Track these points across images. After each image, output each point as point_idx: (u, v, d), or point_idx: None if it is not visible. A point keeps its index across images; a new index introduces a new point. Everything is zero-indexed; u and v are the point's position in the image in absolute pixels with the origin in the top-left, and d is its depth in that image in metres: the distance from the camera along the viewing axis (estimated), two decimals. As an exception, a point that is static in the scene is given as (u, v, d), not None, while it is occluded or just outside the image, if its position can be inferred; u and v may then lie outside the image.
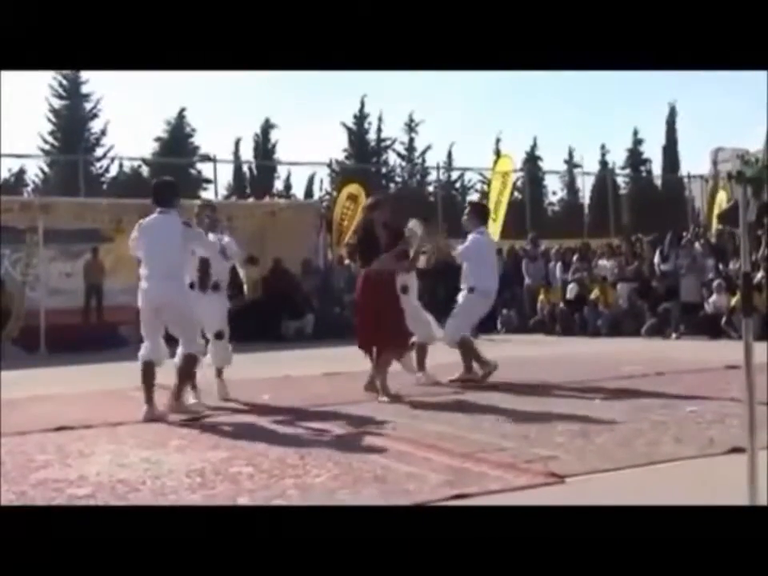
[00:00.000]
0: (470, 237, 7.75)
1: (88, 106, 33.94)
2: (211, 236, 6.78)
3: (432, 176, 35.73)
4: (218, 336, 6.83)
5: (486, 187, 32.51)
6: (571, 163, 37.01)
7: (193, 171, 33.54)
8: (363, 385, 6.80)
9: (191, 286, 6.63)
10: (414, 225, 7.47)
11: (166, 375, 6.18)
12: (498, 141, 36.35)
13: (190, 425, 5.72)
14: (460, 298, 7.75)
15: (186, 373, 6.18)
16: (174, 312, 6.07)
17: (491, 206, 15.79)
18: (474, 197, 37.09)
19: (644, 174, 37.74)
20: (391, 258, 6.76)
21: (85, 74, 33.45)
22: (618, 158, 38.02)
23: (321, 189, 33.16)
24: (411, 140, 37.13)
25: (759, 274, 11.91)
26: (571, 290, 14.50)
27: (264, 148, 35.48)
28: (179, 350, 6.20)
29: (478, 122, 53.08)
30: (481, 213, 8.14)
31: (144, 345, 6.14)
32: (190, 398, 6.45)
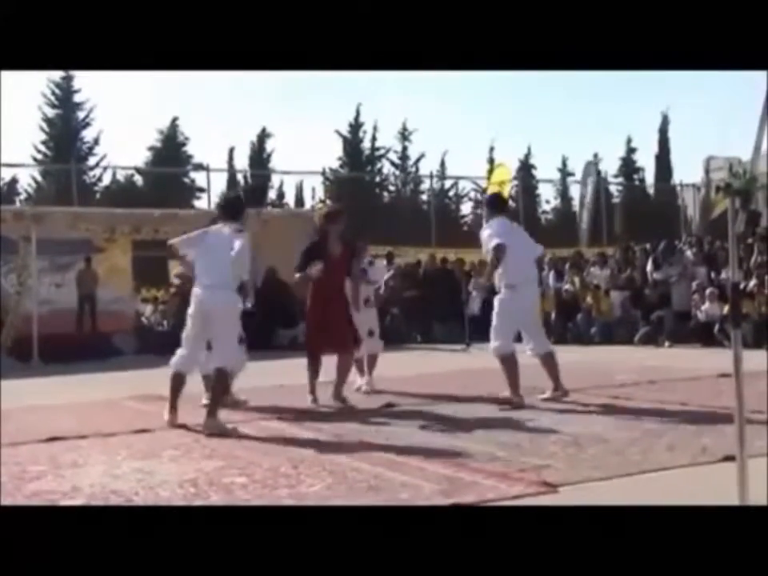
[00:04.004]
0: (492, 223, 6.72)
1: (81, 114, 33.97)
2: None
3: (425, 184, 35.81)
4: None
5: (479, 196, 32.55)
6: (565, 172, 37.15)
7: (186, 180, 33.56)
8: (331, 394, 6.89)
9: None
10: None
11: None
12: (491, 149, 36.50)
13: (183, 435, 5.72)
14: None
15: (221, 389, 6.04)
16: (218, 321, 5.95)
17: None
18: (467, 205, 37.14)
19: (637, 183, 37.88)
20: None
21: (78, 83, 33.53)
22: (611, 166, 38.18)
23: (313, 197, 33.24)
24: (405, 148, 37.25)
25: (751, 282, 11.96)
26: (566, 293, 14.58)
27: (259, 157, 35.52)
28: (211, 363, 6.10)
29: (471, 131, 53.29)
30: (496, 202, 7.16)
31: (179, 352, 6.09)
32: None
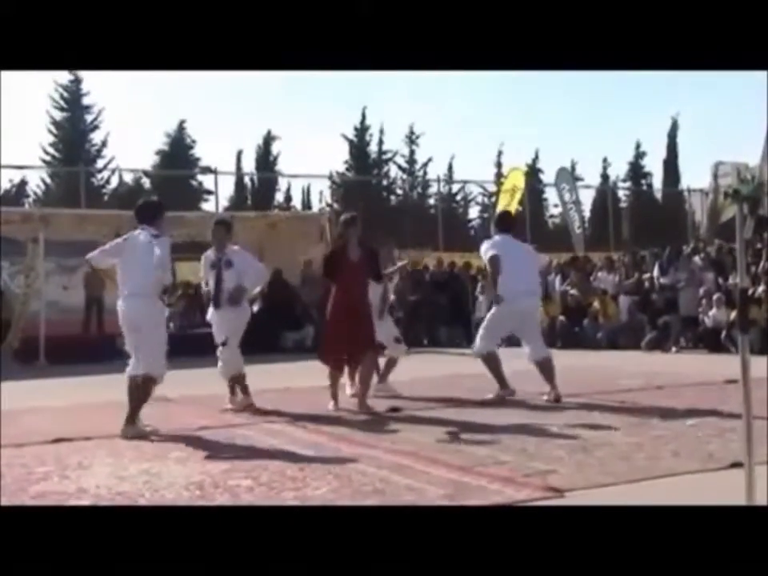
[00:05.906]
0: (491, 240, 7.42)
1: (89, 117, 34.08)
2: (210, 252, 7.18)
3: (433, 188, 35.81)
4: (222, 344, 7.05)
5: (486, 200, 32.50)
6: (573, 176, 37.08)
7: (194, 183, 33.63)
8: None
9: (213, 302, 6.99)
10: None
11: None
12: (499, 153, 36.46)
13: (189, 437, 5.72)
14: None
15: (144, 395, 6.01)
16: (143, 329, 6.04)
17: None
18: (474, 209, 37.12)
19: (645, 188, 37.80)
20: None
21: (86, 86, 33.65)
22: (619, 171, 38.12)
23: (321, 201, 33.28)
24: (412, 152, 37.22)
25: (760, 288, 11.92)
26: (572, 299, 14.56)
27: (265, 160, 35.58)
28: (135, 370, 6.06)
29: (478, 135, 53.27)
30: (501, 221, 7.79)
31: (131, 361, 6.15)
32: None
